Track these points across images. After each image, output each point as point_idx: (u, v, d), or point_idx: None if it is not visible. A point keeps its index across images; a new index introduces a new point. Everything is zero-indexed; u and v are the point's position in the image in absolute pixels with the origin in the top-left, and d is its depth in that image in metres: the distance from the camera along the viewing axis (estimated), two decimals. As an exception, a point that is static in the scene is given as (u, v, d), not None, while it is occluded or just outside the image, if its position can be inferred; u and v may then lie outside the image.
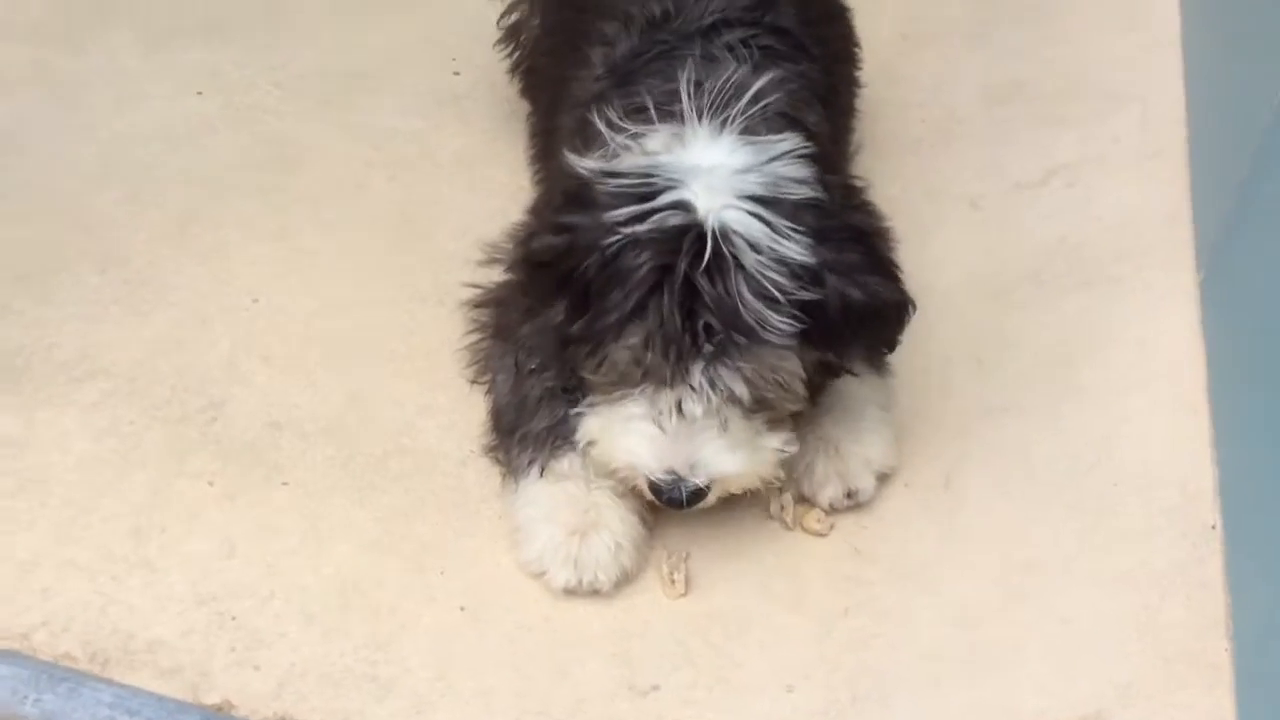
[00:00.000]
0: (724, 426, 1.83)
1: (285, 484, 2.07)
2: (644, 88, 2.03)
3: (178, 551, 1.96)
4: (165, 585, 1.92)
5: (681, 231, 1.76)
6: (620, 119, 1.95)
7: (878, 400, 2.13)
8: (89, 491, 2.03)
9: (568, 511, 1.95)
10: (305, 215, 2.52)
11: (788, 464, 2.03)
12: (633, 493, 1.95)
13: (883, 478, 2.08)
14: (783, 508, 2.06)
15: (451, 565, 1.98)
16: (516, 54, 2.66)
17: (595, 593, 1.93)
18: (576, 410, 1.93)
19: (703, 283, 1.74)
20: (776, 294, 1.75)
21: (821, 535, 2.04)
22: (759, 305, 1.75)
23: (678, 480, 1.84)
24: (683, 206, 1.77)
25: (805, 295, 1.77)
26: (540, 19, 2.55)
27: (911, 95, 2.85)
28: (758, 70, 2.09)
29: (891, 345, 1.97)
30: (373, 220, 2.53)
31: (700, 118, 1.90)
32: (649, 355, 1.78)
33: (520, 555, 1.97)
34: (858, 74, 2.60)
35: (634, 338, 1.78)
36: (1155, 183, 2.41)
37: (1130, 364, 2.14)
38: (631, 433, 1.86)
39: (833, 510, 2.06)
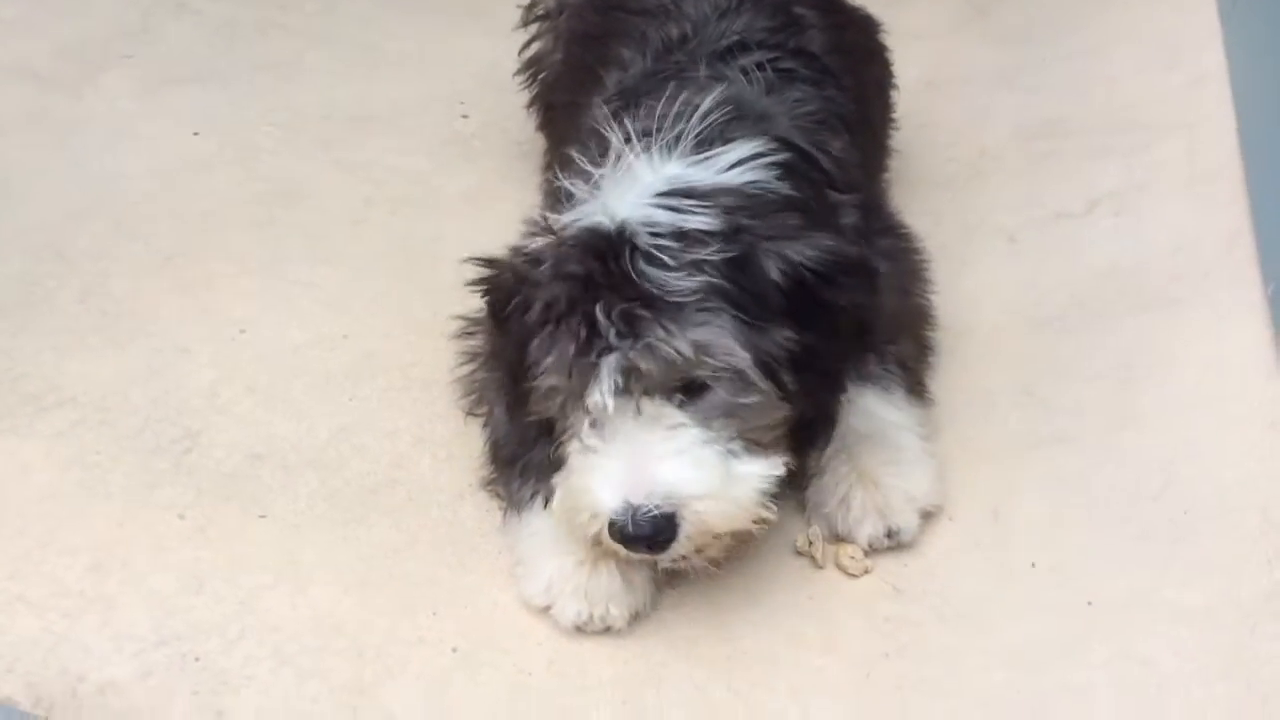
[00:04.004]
0: (683, 449, 1.61)
1: (263, 517, 1.87)
2: (644, 112, 1.88)
3: (140, 588, 1.76)
4: (124, 624, 1.71)
5: (586, 244, 1.65)
6: (597, 157, 1.82)
7: (917, 430, 1.93)
8: (47, 525, 1.83)
9: (576, 541, 1.75)
10: (300, 249, 2.38)
11: (820, 498, 1.86)
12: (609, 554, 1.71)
13: (926, 515, 1.87)
14: (811, 542, 1.85)
15: (444, 604, 1.77)
16: (535, 87, 2.54)
17: (607, 629, 1.73)
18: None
19: (599, 277, 1.61)
20: (670, 260, 1.60)
21: (856, 576, 1.83)
22: (655, 271, 1.60)
23: (633, 510, 1.58)
24: (592, 227, 1.67)
25: (711, 256, 1.61)
26: (563, 53, 2.44)
27: (939, 136, 2.72)
28: (771, 92, 1.99)
29: (861, 326, 1.73)
30: (372, 254, 2.38)
31: (650, 145, 1.77)
32: (563, 375, 1.63)
33: (524, 589, 1.76)
34: (893, 115, 2.50)
35: (549, 358, 1.64)
36: (1210, 204, 2.25)
37: (1196, 383, 1.95)
38: (583, 470, 1.64)
39: (872, 550, 1.85)
